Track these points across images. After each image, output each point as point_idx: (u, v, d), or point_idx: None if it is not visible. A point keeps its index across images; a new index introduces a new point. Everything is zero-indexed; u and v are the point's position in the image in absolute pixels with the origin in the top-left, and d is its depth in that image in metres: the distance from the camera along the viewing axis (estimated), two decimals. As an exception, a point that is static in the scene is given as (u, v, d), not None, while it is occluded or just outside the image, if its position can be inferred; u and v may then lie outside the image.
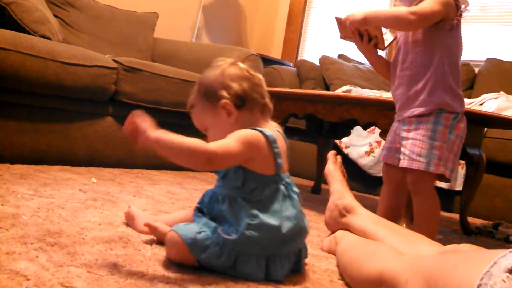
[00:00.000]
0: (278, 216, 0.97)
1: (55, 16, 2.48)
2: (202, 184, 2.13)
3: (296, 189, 1.05)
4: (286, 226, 0.97)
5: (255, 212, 0.96)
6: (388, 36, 1.45)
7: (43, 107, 1.93)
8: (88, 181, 1.74)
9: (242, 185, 0.99)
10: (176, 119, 2.38)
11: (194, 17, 3.81)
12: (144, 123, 0.91)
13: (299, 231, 1.02)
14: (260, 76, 1.06)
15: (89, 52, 2.07)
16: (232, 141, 0.95)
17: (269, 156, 1.00)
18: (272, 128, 1.05)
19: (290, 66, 3.92)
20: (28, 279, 0.80)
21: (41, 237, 1.02)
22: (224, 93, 1.01)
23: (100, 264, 0.92)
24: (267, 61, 3.64)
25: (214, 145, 0.93)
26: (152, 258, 1.00)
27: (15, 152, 1.86)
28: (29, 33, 2.04)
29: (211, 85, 1.03)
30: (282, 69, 3.48)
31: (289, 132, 3.15)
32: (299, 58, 4.16)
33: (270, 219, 0.96)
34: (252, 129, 0.99)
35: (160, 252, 1.05)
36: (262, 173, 0.99)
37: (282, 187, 1.01)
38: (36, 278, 0.80)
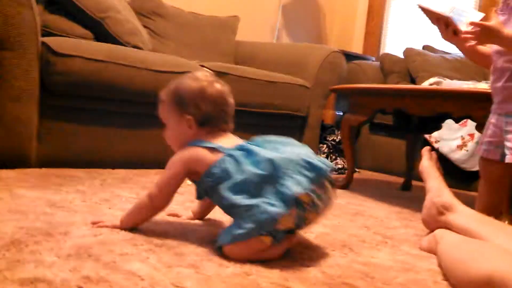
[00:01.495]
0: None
1: (144, 26, 2.60)
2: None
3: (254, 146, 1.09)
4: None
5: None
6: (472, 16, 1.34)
7: (138, 114, 2.03)
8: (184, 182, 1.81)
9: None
10: (262, 120, 2.42)
11: (274, 18, 3.83)
12: (108, 222, 1.13)
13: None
14: (231, 100, 1.16)
15: (178, 59, 2.15)
16: (167, 170, 1.12)
17: (214, 155, 1.08)
18: (229, 141, 1.13)
19: (373, 61, 3.84)
20: (142, 279, 0.85)
21: (148, 238, 1.07)
22: (192, 110, 1.12)
23: (206, 264, 0.96)
24: (349, 56, 3.58)
25: (153, 187, 1.12)
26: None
27: (115, 158, 1.98)
28: (122, 44, 2.15)
29: (184, 96, 1.13)
30: (364, 64, 3.41)
31: (375, 128, 3.09)
32: (381, 52, 4.06)
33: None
34: (194, 145, 1.11)
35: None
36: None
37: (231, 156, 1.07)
38: (150, 279, 0.85)
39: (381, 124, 2.94)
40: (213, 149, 1.09)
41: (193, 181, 1.14)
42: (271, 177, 1.01)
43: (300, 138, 2.59)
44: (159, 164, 2.07)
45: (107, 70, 1.85)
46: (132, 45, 2.17)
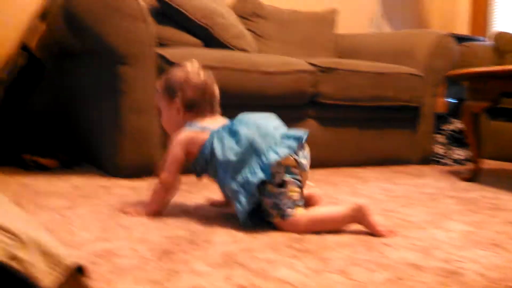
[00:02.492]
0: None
1: (247, 29, 2.61)
2: (411, 179, 2.05)
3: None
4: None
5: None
6: None
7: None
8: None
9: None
10: (374, 115, 2.34)
11: (372, 8, 3.71)
12: (136, 212, 1.25)
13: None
14: (214, 87, 1.34)
15: (286, 58, 2.14)
16: (169, 153, 1.25)
17: (203, 135, 1.23)
18: (215, 122, 1.27)
19: (483, 41, 3.58)
20: (294, 286, 0.83)
21: (288, 244, 1.06)
22: (179, 96, 1.27)
23: (354, 269, 0.92)
24: (456, 39, 3.37)
25: (163, 172, 1.25)
26: (398, 261, 0.97)
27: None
28: (230, 48, 2.18)
29: (172, 84, 1.29)
30: (475, 46, 3.19)
31: (494, 113, 2.87)
32: (491, 31, 3.79)
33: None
34: (189, 129, 1.25)
35: (406, 255, 1.02)
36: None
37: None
38: (301, 285, 0.83)
39: (503, 108, 2.73)
40: (201, 130, 1.24)
41: (191, 161, 1.26)
42: (253, 150, 1.15)
43: (414, 130, 2.48)
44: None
45: (220, 75, 1.87)
46: (239, 49, 2.19)
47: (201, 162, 1.23)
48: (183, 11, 2.12)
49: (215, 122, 1.27)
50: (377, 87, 2.28)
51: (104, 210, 1.30)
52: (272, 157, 1.12)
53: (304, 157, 1.19)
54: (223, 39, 2.18)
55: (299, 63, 2.12)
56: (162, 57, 1.81)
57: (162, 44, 2.07)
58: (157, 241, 1.05)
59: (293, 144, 1.16)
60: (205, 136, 1.22)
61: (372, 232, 1.15)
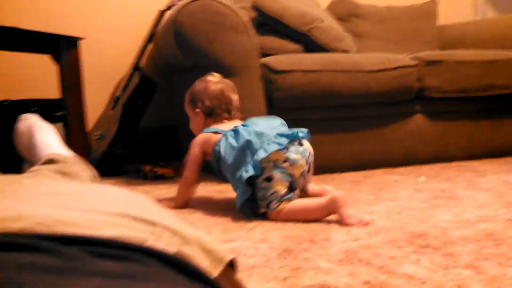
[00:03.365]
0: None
1: (345, 30, 2.61)
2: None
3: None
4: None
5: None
6: None
7: (356, 117, 2.04)
8: (414, 180, 1.76)
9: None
10: (484, 105, 2.23)
11: (474, -7, 3.53)
12: (168, 207, 1.44)
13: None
14: (231, 95, 1.52)
15: (387, 55, 2.11)
16: (189, 153, 1.45)
17: (217, 137, 1.40)
18: (230, 125, 1.42)
19: None
20: (423, 282, 0.82)
21: (409, 239, 1.05)
22: (199, 105, 1.49)
23: (484, 264, 0.89)
24: None
25: (185, 170, 1.45)
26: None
27: (341, 162, 2.01)
28: (331, 51, 2.19)
29: (194, 95, 1.51)
30: None
31: None
32: None
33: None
34: (205, 132, 1.45)
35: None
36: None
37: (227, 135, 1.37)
38: (431, 281, 0.82)
39: None
40: (215, 132, 1.41)
41: (208, 161, 1.44)
42: (248, 148, 1.29)
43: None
44: (381, 163, 2.07)
45: (323, 78, 1.90)
46: (340, 51, 2.19)
47: (213, 161, 1.41)
48: (282, 20, 2.17)
49: (229, 125, 1.43)
50: (487, 76, 2.16)
51: (221, 213, 1.36)
52: (260, 154, 1.25)
53: (298, 153, 1.29)
54: (323, 42, 2.19)
55: (402, 58, 2.07)
56: (266, 66, 1.86)
57: (264, 53, 2.13)
58: (278, 240, 1.08)
59: (283, 140, 1.28)
60: (218, 137, 1.39)
61: (343, 223, 1.19)
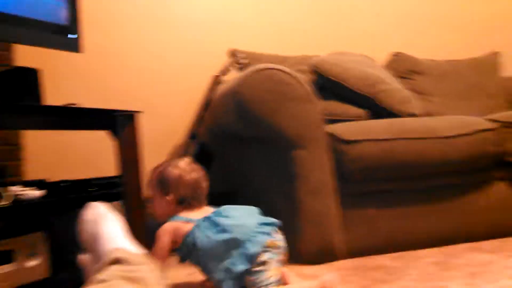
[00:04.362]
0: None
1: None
2: None
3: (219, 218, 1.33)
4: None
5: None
6: None
7: (432, 187, 1.88)
8: (508, 260, 1.56)
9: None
10: None
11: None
12: None
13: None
14: (204, 184, 1.47)
15: (463, 118, 1.96)
16: (157, 241, 1.35)
17: (187, 226, 1.35)
18: (200, 213, 1.38)
19: None
20: None
21: None
22: (172, 193, 1.42)
23: None
24: None
25: (155, 259, 1.27)
26: None
27: (416, 238, 1.84)
28: (396, 115, 2.06)
29: (166, 181, 1.43)
30: None
31: None
32: None
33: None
34: (174, 220, 1.38)
35: None
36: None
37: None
38: None
39: None
40: (186, 221, 1.36)
41: (175, 249, 1.36)
42: (234, 241, 1.26)
43: None
44: (464, 237, 1.88)
45: (396, 147, 1.76)
46: (407, 114, 2.06)
47: (183, 250, 1.34)
48: (344, 83, 2.07)
49: (200, 213, 1.39)
50: None
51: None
52: (252, 248, 1.25)
53: (280, 240, 1.33)
54: (389, 106, 2.07)
55: (479, 121, 1.92)
56: (333, 136, 1.74)
57: (326, 119, 2.02)
58: None
59: (268, 229, 1.31)
60: (189, 227, 1.34)
61: None
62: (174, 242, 1.37)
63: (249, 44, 2.65)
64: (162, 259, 1.36)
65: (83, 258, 1.27)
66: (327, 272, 1.58)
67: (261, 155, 1.93)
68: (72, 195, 1.53)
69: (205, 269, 1.32)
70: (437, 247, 1.83)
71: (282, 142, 1.70)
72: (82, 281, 1.37)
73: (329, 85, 2.12)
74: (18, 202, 1.39)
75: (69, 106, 1.60)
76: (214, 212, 1.38)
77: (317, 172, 1.71)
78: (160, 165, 1.49)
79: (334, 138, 1.74)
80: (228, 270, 1.25)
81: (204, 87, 2.30)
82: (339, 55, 2.31)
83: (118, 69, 2.50)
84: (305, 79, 1.76)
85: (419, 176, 1.84)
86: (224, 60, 2.42)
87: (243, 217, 1.34)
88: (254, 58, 2.29)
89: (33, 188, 1.50)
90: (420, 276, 1.47)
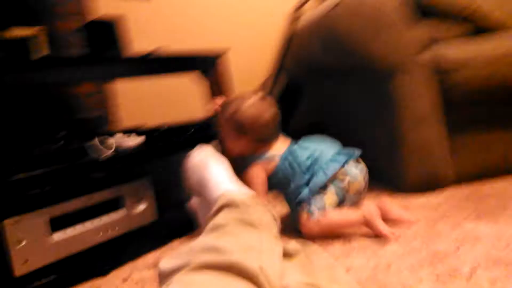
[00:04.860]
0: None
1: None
2: None
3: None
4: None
5: None
6: None
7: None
8: None
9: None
10: None
11: None
12: None
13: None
14: (278, 116, 1.41)
15: None
16: (255, 181, 1.37)
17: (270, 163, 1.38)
18: (281, 146, 1.41)
19: None
20: None
21: None
22: (249, 134, 1.38)
23: None
24: None
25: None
26: None
27: None
28: (504, 29, 1.85)
29: (242, 123, 1.37)
30: None
31: None
32: None
33: None
34: (256, 162, 1.39)
35: None
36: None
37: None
38: None
39: None
40: (270, 160, 1.37)
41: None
42: (308, 168, 1.31)
43: None
44: None
45: (506, 65, 1.58)
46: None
47: (271, 183, 1.38)
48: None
49: (279, 147, 1.40)
50: None
51: (418, 238, 1.15)
52: (321, 177, 1.29)
53: (357, 169, 1.34)
54: (494, 21, 1.85)
55: None
56: (436, 60, 1.59)
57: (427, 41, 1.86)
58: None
59: (342, 158, 1.33)
60: (273, 164, 1.37)
61: (377, 235, 1.23)
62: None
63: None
64: (264, 195, 1.37)
65: (193, 203, 1.28)
66: (436, 199, 1.50)
67: (356, 87, 1.83)
68: (170, 140, 1.53)
69: (284, 195, 1.39)
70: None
71: (380, 72, 1.58)
72: (188, 221, 1.39)
73: (424, 2, 1.93)
74: (121, 150, 1.40)
75: (155, 52, 1.58)
76: (293, 144, 1.41)
77: (421, 99, 1.59)
78: (232, 101, 1.42)
79: (437, 63, 1.59)
80: (298, 197, 1.31)
81: (285, 20, 2.19)
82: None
83: (199, 9, 2.44)
84: (400, 1, 1.60)
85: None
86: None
87: (319, 148, 1.37)
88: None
89: (132, 135, 1.51)
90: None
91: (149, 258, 1.32)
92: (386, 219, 1.31)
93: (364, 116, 1.81)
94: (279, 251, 0.93)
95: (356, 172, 1.34)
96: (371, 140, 1.80)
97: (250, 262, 0.77)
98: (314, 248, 1.08)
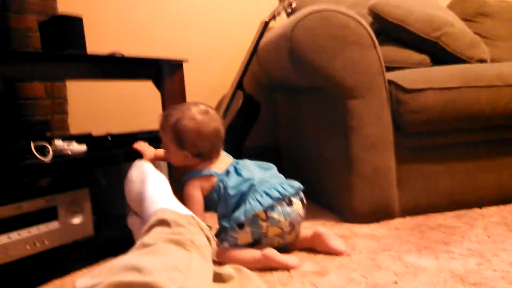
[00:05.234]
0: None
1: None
2: None
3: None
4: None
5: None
6: None
7: (501, 139, 1.71)
8: None
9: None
10: None
11: None
12: None
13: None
14: (222, 132, 1.35)
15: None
16: (191, 197, 1.32)
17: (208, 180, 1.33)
18: (220, 165, 1.35)
19: None
20: None
21: None
22: (189, 148, 1.31)
23: None
24: None
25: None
26: None
27: (480, 194, 1.70)
28: (465, 61, 1.87)
29: (182, 135, 1.31)
30: None
31: None
32: None
33: None
34: (199, 176, 1.33)
35: None
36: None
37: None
38: None
39: None
40: (208, 176, 1.32)
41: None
42: (243, 195, 1.26)
43: None
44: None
45: (462, 96, 1.58)
46: (476, 60, 1.86)
47: (209, 203, 1.33)
48: (408, 26, 1.87)
49: (220, 164, 1.35)
50: None
51: (358, 270, 1.11)
52: (256, 206, 1.23)
53: (282, 214, 1.25)
54: (455, 51, 1.87)
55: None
56: (394, 84, 1.58)
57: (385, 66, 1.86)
58: None
59: (266, 201, 1.24)
60: (212, 181, 1.32)
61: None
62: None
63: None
64: (201, 215, 1.31)
65: (130, 219, 1.22)
66: (380, 230, 1.48)
67: (313, 105, 1.81)
68: (113, 150, 1.46)
69: (221, 215, 1.32)
70: (505, 205, 1.68)
71: (339, 92, 1.56)
72: (126, 238, 1.32)
73: (388, 29, 1.93)
74: (63, 157, 1.33)
75: (112, 54, 1.51)
76: (233, 165, 1.34)
77: (374, 125, 1.57)
78: (173, 111, 1.34)
79: (394, 87, 1.58)
80: (236, 218, 1.25)
81: (251, 35, 2.16)
82: (399, -4, 2.10)
83: (161, 16, 2.38)
84: (365, 21, 1.59)
85: (487, 127, 1.66)
86: (272, 5, 2.26)
87: (255, 176, 1.29)
88: (306, 2, 2.12)
89: (78, 143, 1.44)
90: (486, 237, 1.34)
91: (79, 275, 1.25)
92: (321, 249, 1.29)
93: (321, 138, 1.78)
94: (209, 274, 0.89)
95: (279, 217, 1.24)
96: (325, 163, 1.77)
97: (168, 283, 0.73)
98: (249, 275, 1.04)
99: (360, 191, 1.59)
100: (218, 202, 1.31)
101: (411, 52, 1.91)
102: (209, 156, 1.35)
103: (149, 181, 1.15)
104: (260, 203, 1.23)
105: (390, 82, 1.60)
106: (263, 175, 1.31)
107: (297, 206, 1.29)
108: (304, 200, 1.34)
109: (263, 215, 1.23)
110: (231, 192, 1.27)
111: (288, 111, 2.15)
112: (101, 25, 2.22)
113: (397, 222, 1.59)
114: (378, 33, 1.86)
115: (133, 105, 2.28)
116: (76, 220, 1.33)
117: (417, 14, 1.89)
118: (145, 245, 0.89)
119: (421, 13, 1.90)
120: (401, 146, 1.62)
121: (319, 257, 1.26)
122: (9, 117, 1.81)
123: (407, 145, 1.63)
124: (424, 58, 1.90)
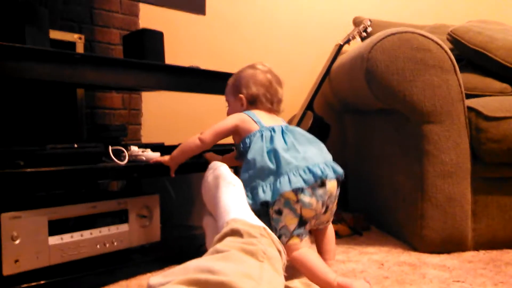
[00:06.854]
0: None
1: None
2: None
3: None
4: None
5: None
6: None
7: None
8: None
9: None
10: None
11: None
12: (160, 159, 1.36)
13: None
14: (278, 88, 1.40)
15: None
16: (224, 121, 1.33)
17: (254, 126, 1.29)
18: (270, 120, 1.33)
19: None
20: None
21: None
22: (244, 90, 1.38)
23: None
24: None
25: (206, 130, 1.32)
26: None
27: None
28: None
29: (239, 80, 1.39)
30: None
31: None
32: None
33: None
34: (244, 113, 1.34)
35: None
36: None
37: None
38: None
39: None
40: (255, 121, 1.29)
41: (234, 144, 1.36)
42: (275, 170, 1.18)
43: None
44: None
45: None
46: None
47: (238, 149, 1.32)
48: (490, 54, 1.80)
49: (270, 120, 1.32)
50: None
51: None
52: (284, 186, 1.15)
53: (313, 196, 1.17)
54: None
55: None
56: (474, 111, 1.52)
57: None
58: None
59: (310, 178, 1.16)
60: (255, 128, 1.28)
61: None
62: (236, 133, 1.33)
63: (374, 13, 2.46)
64: (211, 137, 1.31)
65: (206, 219, 1.22)
66: (451, 261, 1.40)
67: (385, 128, 1.77)
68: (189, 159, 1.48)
69: (243, 179, 1.23)
70: None
71: (415, 115, 1.52)
72: (192, 249, 1.32)
73: (469, 55, 1.87)
74: (138, 162, 1.36)
75: (192, 67, 1.56)
76: (283, 127, 1.29)
77: (451, 152, 1.51)
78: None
79: (474, 114, 1.52)
80: (254, 193, 1.19)
81: (324, 57, 2.16)
82: (481, 23, 2.04)
83: (238, 35, 2.43)
84: (447, 46, 1.55)
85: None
86: (347, 29, 2.26)
87: (301, 149, 1.22)
88: (381, 26, 2.10)
89: (147, 150, 1.47)
90: None
91: (144, 279, 1.26)
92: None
93: (392, 162, 1.73)
94: (279, 286, 0.87)
95: (310, 200, 1.16)
96: (394, 188, 1.71)
97: (244, 285, 0.73)
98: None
99: (432, 220, 1.52)
100: (243, 154, 1.27)
101: (491, 80, 1.83)
102: (262, 103, 1.36)
103: (223, 188, 1.15)
104: (303, 180, 1.15)
105: (470, 109, 1.54)
106: (311, 151, 1.24)
107: (330, 185, 1.20)
108: (340, 179, 1.25)
109: (293, 197, 1.16)
110: (257, 157, 1.21)
111: (357, 134, 2.11)
112: (180, 40, 2.29)
113: (469, 254, 1.51)
114: (458, 60, 1.80)
115: (204, 118, 2.32)
116: (145, 224, 1.36)
117: (500, 41, 1.82)
118: (218, 251, 0.89)
119: (504, 41, 1.83)
120: (478, 175, 1.55)
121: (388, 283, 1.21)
122: (87, 123, 1.89)
123: (484, 175, 1.56)
124: (506, 86, 1.82)
